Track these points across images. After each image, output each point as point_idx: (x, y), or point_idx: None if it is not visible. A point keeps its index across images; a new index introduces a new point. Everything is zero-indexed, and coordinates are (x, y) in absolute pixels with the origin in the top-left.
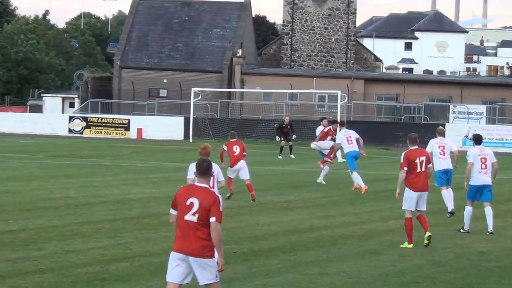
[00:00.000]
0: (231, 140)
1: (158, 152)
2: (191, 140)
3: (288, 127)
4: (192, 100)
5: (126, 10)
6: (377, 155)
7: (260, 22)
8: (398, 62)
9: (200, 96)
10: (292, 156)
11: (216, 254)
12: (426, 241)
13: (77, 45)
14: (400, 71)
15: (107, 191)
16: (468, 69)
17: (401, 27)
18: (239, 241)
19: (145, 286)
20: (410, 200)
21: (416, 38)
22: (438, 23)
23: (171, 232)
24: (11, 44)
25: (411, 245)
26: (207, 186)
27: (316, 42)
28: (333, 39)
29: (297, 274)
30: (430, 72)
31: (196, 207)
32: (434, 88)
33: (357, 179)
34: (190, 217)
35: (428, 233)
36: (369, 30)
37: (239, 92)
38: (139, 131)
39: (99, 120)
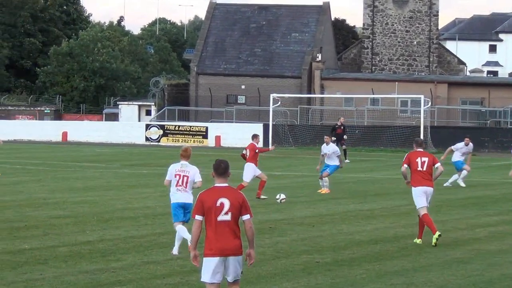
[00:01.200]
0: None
1: (237, 161)
2: (270, 148)
3: (342, 127)
4: (271, 107)
5: (202, 15)
6: None
7: (340, 26)
8: (483, 65)
9: (279, 102)
10: (347, 160)
11: (249, 250)
12: (435, 240)
13: (153, 51)
14: (484, 74)
15: None
16: None
17: (485, 29)
18: (322, 250)
19: None
20: (419, 196)
21: (501, 40)
22: None
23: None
24: (86, 52)
25: (436, 235)
26: (229, 185)
27: (398, 46)
28: (415, 42)
29: (382, 284)
30: None
31: (227, 206)
32: None
33: None
34: (224, 216)
35: (437, 233)
36: (452, 32)
37: (319, 97)
38: (218, 138)
39: (177, 128)
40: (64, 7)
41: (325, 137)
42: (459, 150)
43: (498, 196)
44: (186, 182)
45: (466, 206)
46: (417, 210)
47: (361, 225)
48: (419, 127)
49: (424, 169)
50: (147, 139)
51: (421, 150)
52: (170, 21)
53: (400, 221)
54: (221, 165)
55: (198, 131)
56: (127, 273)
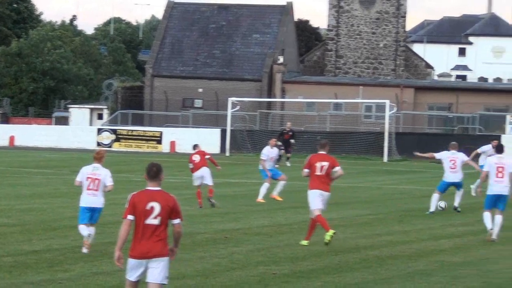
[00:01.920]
0: (194, 151)
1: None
2: (228, 154)
3: (290, 133)
4: (230, 111)
5: (159, 14)
6: (427, 169)
7: (303, 27)
8: (451, 69)
9: (238, 107)
10: (288, 164)
11: (173, 247)
12: (327, 239)
13: (106, 52)
14: (453, 79)
15: None
16: None
17: (454, 31)
18: (279, 261)
19: None
20: (314, 198)
21: (471, 43)
22: (494, 27)
23: (207, 252)
24: (36, 53)
25: (331, 232)
26: (161, 189)
27: (363, 48)
28: (381, 45)
29: None
30: (486, 80)
31: (157, 210)
32: (489, 97)
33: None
34: (152, 220)
35: (331, 231)
36: (420, 34)
37: (279, 102)
38: (173, 144)
39: (130, 133)
40: (14, 5)
41: (273, 139)
42: (486, 153)
43: (464, 205)
44: (98, 185)
45: (430, 216)
46: (311, 211)
47: (320, 235)
48: (384, 133)
49: (323, 173)
50: (98, 144)
51: (324, 153)
52: (125, 20)
53: (361, 232)
54: (153, 168)
55: (152, 136)
56: (75, 285)
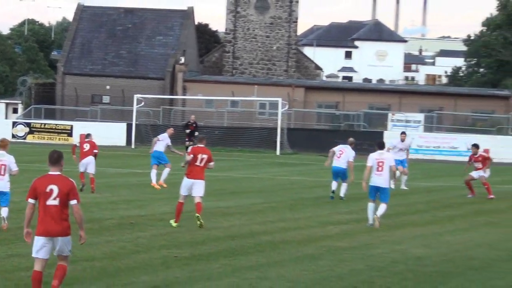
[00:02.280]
0: (85, 140)
1: (101, 158)
2: (133, 146)
3: (194, 125)
4: (135, 107)
5: (70, 17)
6: (316, 162)
7: (203, 30)
8: (338, 71)
9: (143, 103)
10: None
11: (79, 232)
12: (198, 222)
13: (21, 51)
14: (340, 80)
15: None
16: (406, 78)
17: (341, 36)
18: (180, 245)
19: None
20: (184, 187)
21: (356, 47)
22: (377, 32)
23: (113, 236)
24: None
25: (176, 224)
26: (61, 173)
27: (258, 50)
28: (274, 47)
29: (237, 279)
30: (370, 81)
31: (56, 192)
32: (373, 96)
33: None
34: (52, 201)
35: (197, 215)
36: (310, 39)
37: (181, 99)
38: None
39: (43, 126)
40: None
41: (171, 129)
42: (396, 147)
43: (350, 195)
44: (4, 170)
45: (319, 205)
46: (180, 195)
47: (218, 221)
48: (276, 128)
49: (202, 164)
50: (13, 136)
51: (202, 146)
52: (38, 22)
53: (256, 219)
54: (54, 155)
55: (63, 129)
56: None
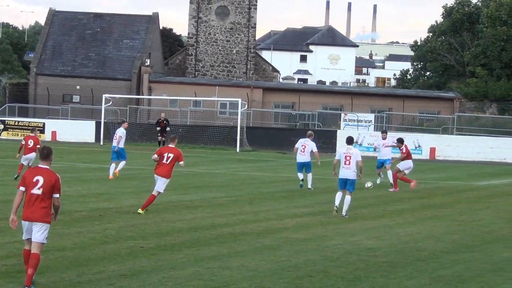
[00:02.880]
0: (30, 135)
1: (71, 154)
2: (102, 143)
3: (165, 122)
4: (103, 106)
5: (42, 21)
6: (274, 159)
7: (167, 34)
8: (294, 73)
9: (111, 102)
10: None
11: (54, 216)
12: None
13: None
14: (295, 81)
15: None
16: (358, 80)
17: (297, 40)
18: (146, 236)
19: (59, 278)
20: (155, 180)
21: (311, 51)
22: (331, 37)
23: (83, 228)
24: None
25: (141, 211)
26: (48, 167)
27: (219, 54)
28: (234, 51)
29: (200, 268)
30: (323, 83)
31: (41, 183)
32: (327, 97)
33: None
34: (36, 190)
35: (142, 211)
36: (268, 43)
37: (147, 99)
38: (54, 134)
39: (17, 123)
40: None
41: (126, 123)
42: (380, 145)
43: (305, 190)
44: None
45: (277, 198)
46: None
47: (182, 214)
48: (236, 127)
49: (167, 162)
50: None
51: (172, 146)
52: (12, 25)
53: (217, 211)
54: (44, 151)
55: (36, 127)
56: None
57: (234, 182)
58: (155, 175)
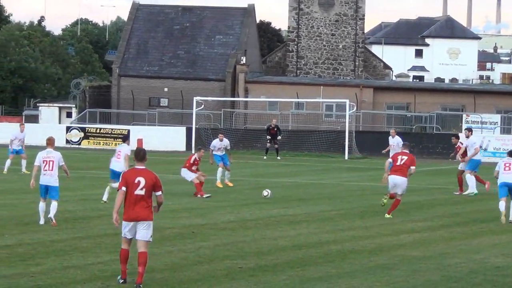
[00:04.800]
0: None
1: (159, 164)
2: (193, 152)
3: (275, 129)
4: (194, 110)
5: (124, 16)
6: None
7: (265, 28)
8: (408, 70)
9: (203, 106)
10: (278, 158)
11: (156, 207)
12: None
13: (74, 53)
14: (410, 79)
15: (106, 205)
16: (481, 77)
17: (411, 33)
18: (245, 256)
19: None
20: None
21: (427, 45)
22: (449, 29)
23: (174, 247)
24: (4, 53)
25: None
26: (145, 167)
27: (323, 49)
28: (340, 46)
29: None
30: (442, 80)
31: (142, 183)
32: (446, 96)
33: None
34: (139, 191)
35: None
36: (378, 36)
37: (243, 101)
38: (139, 142)
39: (98, 131)
40: None
41: (220, 134)
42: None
43: (423, 202)
44: (52, 166)
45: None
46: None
47: (284, 230)
48: (344, 131)
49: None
50: (67, 141)
51: (406, 151)
52: (92, 21)
53: (324, 227)
54: (140, 152)
55: (119, 134)
56: (47, 278)
57: (342, 194)
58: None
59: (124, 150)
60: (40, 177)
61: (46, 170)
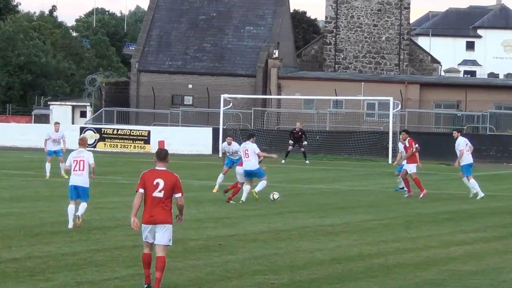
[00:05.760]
0: None
1: (183, 169)
2: (220, 155)
3: (300, 133)
4: (222, 109)
5: (145, 5)
6: (435, 171)
7: (300, 19)
8: (459, 64)
9: (231, 104)
10: (307, 161)
11: (179, 216)
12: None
13: (89, 45)
14: (461, 75)
15: (124, 214)
16: None
17: (461, 24)
18: (278, 270)
19: None
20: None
21: (479, 37)
22: (504, 19)
23: (200, 260)
24: (12, 46)
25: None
26: (166, 169)
27: (364, 42)
28: (383, 38)
29: None
30: (496, 76)
31: (161, 185)
32: (501, 93)
33: None
34: (157, 193)
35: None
36: (425, 27)
37: (275, 99)
38: (161, 144)
39: (115, 132)
40: None
41: (228, 137)
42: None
43: (475, 210)
44: (83, 166)
45: (439, 221)
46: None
47: (321, 242)
48: (388, 132)
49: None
50: None
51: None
52: (108, 11)
53: (366, 238)
54: (162, 152)
55: (139, 136)
56: None
57: (385, 202)
58: None
59: (251, 148)
60: (70, 178)
61: (76, 170)
